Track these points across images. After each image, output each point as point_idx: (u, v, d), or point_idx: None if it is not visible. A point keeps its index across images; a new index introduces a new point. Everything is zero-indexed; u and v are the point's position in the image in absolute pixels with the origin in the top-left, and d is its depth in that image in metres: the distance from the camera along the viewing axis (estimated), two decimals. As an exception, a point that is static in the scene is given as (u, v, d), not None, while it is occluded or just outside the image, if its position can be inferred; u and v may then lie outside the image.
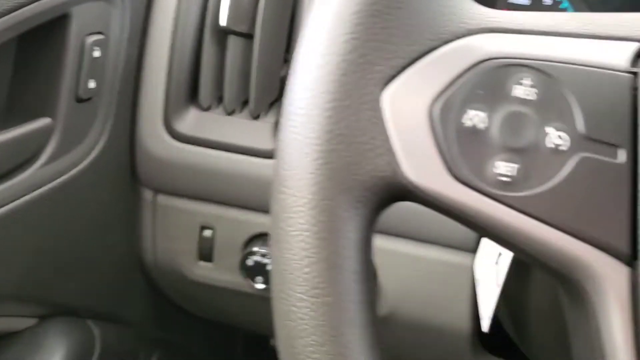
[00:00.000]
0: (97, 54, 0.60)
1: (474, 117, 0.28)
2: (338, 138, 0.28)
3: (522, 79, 0.28)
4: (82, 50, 0.59)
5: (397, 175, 0.28)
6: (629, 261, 0.28)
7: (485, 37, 0.29)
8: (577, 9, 0.74)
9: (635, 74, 0.28)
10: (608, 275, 0.28)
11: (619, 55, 0.29)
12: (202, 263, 0.73)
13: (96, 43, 0.60)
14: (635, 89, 0.28)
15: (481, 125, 0.28)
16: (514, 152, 0.28)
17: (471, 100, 0.28)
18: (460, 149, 0.28)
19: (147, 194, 0.73)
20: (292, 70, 0.30)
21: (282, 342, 0.30)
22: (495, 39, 0.29)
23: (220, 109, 0.68)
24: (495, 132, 0.28)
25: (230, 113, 0.67)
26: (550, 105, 0.28)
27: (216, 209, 0.70)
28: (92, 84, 0.61)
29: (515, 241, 0.29)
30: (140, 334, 0.78)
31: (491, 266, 0.63)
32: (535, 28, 0.29)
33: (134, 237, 0.73)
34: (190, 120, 0.68)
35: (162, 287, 0.78)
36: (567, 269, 0.29)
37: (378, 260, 0.68)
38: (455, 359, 0.71)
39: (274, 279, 0.30)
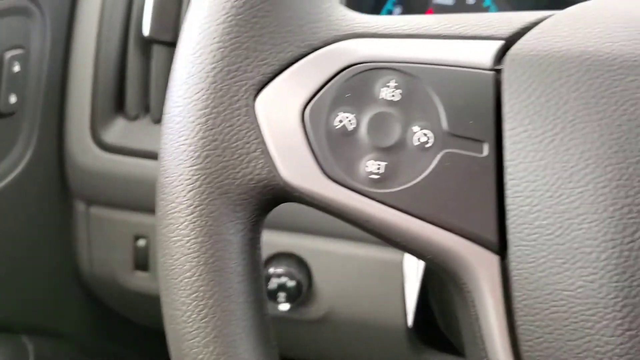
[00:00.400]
0: (17, 68, 0.60)
1: (343, 119, 0.29)
2: (213, 144, 0.29)
3: (388, 82, 0.29)
4: (0, 65, 0.59)
5: (275, 177, 0.29)
6: (499, 250, 0.29)
7: (353, 42, 0.30)
8: (500, 8, 0.76)
9: (498, 71, 0.30)
10: (480, 265, 0.29)
11: (482, 54, 0.30)
12: (138, 273, 0.73)
13: (16, 57, 0.60)
14: (498, 85, 0.29)
15: (350, 127, 0.29)
16: (382, 151, 0.29)
17: (340, 103, 0.29)
18: (332, 149, 0.29)
19: (80, 206, 0.73)
20: (170, 80, 0.31)
21: (171, 344, 0.31)
22: (363, 44, 0.30)
23: (147, 118, 0.68)
24: (363, 132, 0.29)
25: (158, 121, 0.68)
26: (415, 105, 0.29)
27: (149, 218, 0.70)
28: (13, 99, 0.61)
29: (391, 235, 0.30)
30: (80, 346, 0.77)
31: (414, 261, 0.64)
32: (402, 31, 0.30)
33: (69, 249, 0.73)
34: (118, 130, 0.69)
35: (101, 297, 0.78)
36: (442, 260, 0.30)
37: (312, 261, 0.70)
38: (394, 354, 0.72)
39: (160, 284, 0.30)
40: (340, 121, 0.29)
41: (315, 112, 0.29)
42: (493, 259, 0.29)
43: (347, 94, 0.29)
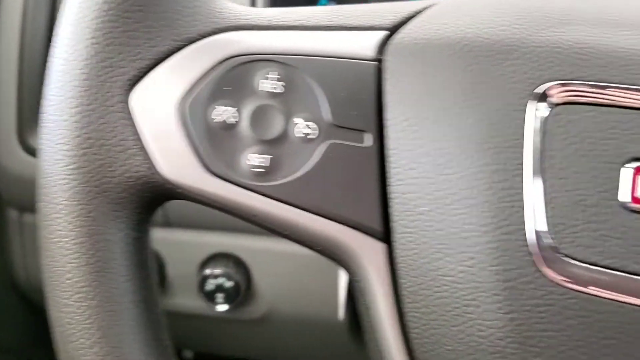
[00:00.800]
0: None
1: (224, 113, 0.29)
2: (87, 142, 0.28)
3: (268, 74, 0.29)
4: None
5: (154, 174, 0.29)
6: (384, 238, 0.29)
7: (232, 34, 0.30)
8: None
9: (380, 61, 0.30)
10: (367, 254, 0.29)
11: (365, 45, 0.30)
12: (75, 278, 0.72)
13: None
14: (380, 76, 0.29)
15: (231, 120, 0.29)
16: (265, 144, 0.29)
17: (219, 96, 0.29)
18: (212, 144, 0.29)
19: (12, 214, 0.71)
20: (45, 79, 0.30)
21: (58, 346, 0.30)
22: (242, 36, 0.30)
23: (76, 122, 0.67)
24: (245, 126, 0.29)
25: (87, 125, 0.67)
26: (297, 96, 0.29)
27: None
28: None
29: (279, 228, 0.30)
30: (21, 357, 0.76)
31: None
32: (283, 23, 0.30)
33: (4, 259, 0.72)
34: (46, 135, 0.67)
35: (41, 306, 0.77)
36: (331, 250, 0.30)
37: (250, 261, 0.69)
38: (335, 349, 0.72)
39: (45, 286, 0.30)
40: (220, 115, 0.29)
41: (193, 106, 0.29)
42: (379, 247, 0.29)
43: (227, 87, 0.29)
